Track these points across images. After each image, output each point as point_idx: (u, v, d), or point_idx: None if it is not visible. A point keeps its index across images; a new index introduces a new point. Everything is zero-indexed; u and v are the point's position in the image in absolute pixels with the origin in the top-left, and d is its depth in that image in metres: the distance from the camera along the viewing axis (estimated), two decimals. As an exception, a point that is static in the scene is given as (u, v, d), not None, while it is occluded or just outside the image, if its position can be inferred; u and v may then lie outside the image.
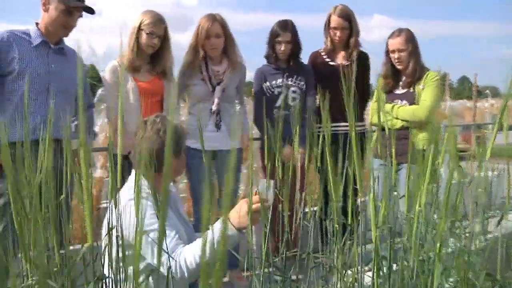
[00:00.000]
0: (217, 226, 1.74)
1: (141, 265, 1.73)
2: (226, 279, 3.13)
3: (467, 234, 1.48)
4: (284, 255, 1.42)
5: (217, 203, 3.46)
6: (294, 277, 1.52)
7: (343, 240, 1.17)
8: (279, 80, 3.29)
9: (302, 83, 3.29)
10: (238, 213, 1.66)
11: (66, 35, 2.60)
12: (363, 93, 3.22)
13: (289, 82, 3.28)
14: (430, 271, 0.98)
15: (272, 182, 1.55)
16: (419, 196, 0.97)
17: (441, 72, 3.40)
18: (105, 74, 2.90)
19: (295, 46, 3.28)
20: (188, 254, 1.67)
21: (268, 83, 3.29)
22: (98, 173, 3.97)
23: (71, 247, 1.57)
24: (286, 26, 3.25)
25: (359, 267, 1.26)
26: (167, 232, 1.71)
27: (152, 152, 1.79)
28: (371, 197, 0.97)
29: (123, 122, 2.88)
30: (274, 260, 1.42)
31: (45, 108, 2.39)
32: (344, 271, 1.02)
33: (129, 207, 1.67)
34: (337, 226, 1.13)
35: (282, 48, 3.24)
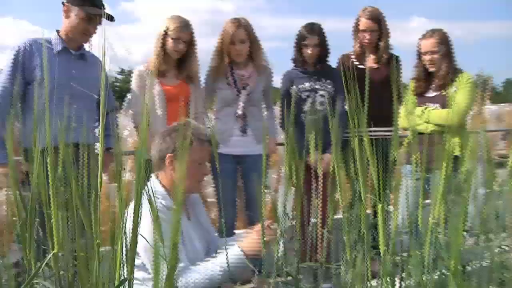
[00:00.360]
0: (230, 252, 1.72)
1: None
2: (251, 286, 3.09)
3: (505, 248, 1.39)
4: (296, 264, 1.37)
5: (244, 208, 3.47)
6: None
7: (358, 250, 1.11)
8: (307, 84, 3.23)
9: (331, 86, 3.22)
10: (252, 243, 1.65)
11: (86, 42, 2.64)
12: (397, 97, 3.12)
13: (317, 86, 3.22)
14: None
15: (292, 189, 1.51)
16: (434, 207, 0.90)
17: (483, 74, 3.26)
18: (132, 79, 2.92)
19: (323, 49, 3.22)
20: (195, 272, 1.68)
21: (295, 87, 3.23)
22: (127, 176, 4.00)
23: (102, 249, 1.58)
24: (313, 29, 3.19)
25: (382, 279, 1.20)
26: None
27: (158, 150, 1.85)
28: (380, 207, 0.92)
29: (149, 126, 2.91)
30: (288, 269, 1.38)
31: (67, 114, 2.43)
32: (356, 283, 0.97)
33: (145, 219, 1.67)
34: (350, 235, 1.08)
35: (309, 52, 3.17)
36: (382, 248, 0.89)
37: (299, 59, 3.25)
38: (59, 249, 1.06)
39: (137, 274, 1.74)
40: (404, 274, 1.06)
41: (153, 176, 1.90)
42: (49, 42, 2.57)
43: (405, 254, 1.17)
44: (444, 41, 3.02)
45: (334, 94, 3.23)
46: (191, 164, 1.84)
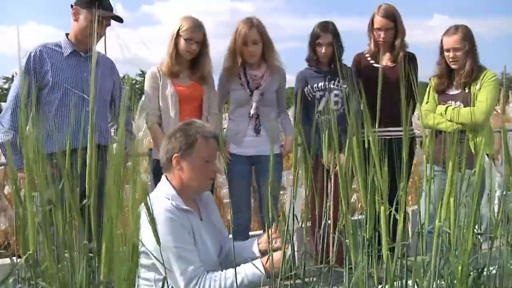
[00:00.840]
0: (249, 267, 1.70)
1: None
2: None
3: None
4: (303, 266, 1.34)
5: (258, 210, 3.44)
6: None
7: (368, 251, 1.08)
8: (321, 84, 3.18)
9: (345, 86, 3.17)
10: (275, 263, 1.62)
11: (95, 44, 2.64)
12: (411, 97, 3.06)
13: (331, 86, 3.17)
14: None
15: (301, 190, 1.48)
16: (441, 209, 0.86)
17: (507, 73, 3.17)
18: (145, 80, 2.93)
19: (337, 48, 3.17)
20: (213, 280, 1.68)
21: (309, 87, 3.20)
22: (141, 177, 4.01)
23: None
24: (327, 28, 3.14)
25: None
26: (189, 259, 1.70)
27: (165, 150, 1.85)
28: (382, 209, 0.88)
29: (162, 127, 2.90)
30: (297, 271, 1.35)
31: (80, 117, 2.45)
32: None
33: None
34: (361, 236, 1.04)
35: (323, 51, 3.13)
36: (385, 253, 0.85)
37: (312, 58, 3.21)
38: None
39: (147, 275, 1.73)
40: (410, 281, 1.03)
41: (163, 177, 1.90)
42: (59, 46, 2.59)
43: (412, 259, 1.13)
44: (467, 37, 2.92)
45: (348, 93, 3.17)
46: (198, 162, 1.83)
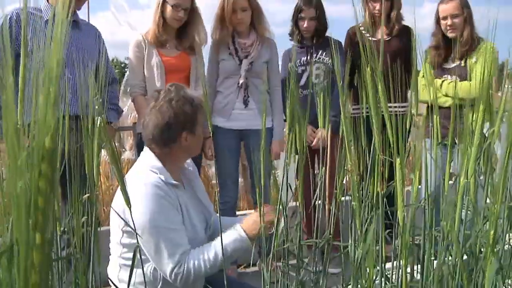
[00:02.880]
0: (232, 234, 1.59)
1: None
2: (255, 269, 2.98)
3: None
4: (298, 240, 1.24)
5: (250, 188, 3.33)
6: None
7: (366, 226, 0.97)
8: (303, 59, 3.07)
9: (328, 58, 3.05)
10: (254, 224, 1.52)
11: (78, 6, 2.49)
12: (408, 71, 2.96)
13: (313, 60, 3.06)
14: (480, 268, 0.78)
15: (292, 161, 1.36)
16: (465, 169, 0.76)
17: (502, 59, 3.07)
18: (129, 49, 2.78)
19: (320, 23, 3.05)
20: (196, 259, 1.57)
21: (292, 62, 3.07)
22: (127, 154, 3.88)
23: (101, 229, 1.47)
24: (311, 2, 3.02)
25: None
26: (178, 240, 1.58)
27: (163, 124, 1.63)
28: (398, 161, 0.77)
29: (147, 99, 2.73)
30: (289, 246, 1.25)
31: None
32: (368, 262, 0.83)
33: (139, 195, 1.53)
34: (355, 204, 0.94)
35: (305, 25, 3.01)
36: (400, 214, 0.74)
37: (295, 33, 3.10)
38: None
39: (129, 254, 1.60)
40: (427, 256, 0.92)
41: (146, 148, 1.73)
42: (39, 10, 2.43)
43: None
44: (465, 4, 2.85)
45: (332, 67, 3.04)
46: (200, 131, 1.70)
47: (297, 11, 3.06)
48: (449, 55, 2.91)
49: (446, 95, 2.80)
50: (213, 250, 1.57)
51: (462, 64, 2.84)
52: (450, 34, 2.87)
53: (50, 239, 0.33)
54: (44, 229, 0.32)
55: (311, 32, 3.06)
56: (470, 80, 2.75)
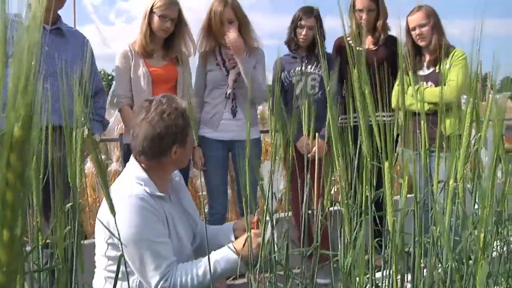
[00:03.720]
0: (221, 253, 1.57)
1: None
2: (244, 280, 2.95)
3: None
4: (286, 250, 1.21)
5: (237, 200, 3.30)
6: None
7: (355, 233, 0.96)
8: (297, 68, 3.08)
9: (322, 71, 3.07)
10: (245, 245, 1.49)
11: (60, 5, 2.42)
12: (394, 80, 2.98)
13: (308, 70, 3.06)
14: (471, 273, 0.77)
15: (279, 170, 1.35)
16: (453, 172, 0.75)
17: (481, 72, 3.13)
18: (116, 59, 2.76)
19: (319, 34, 3.06)
20: (184, 274, 1.54)
21: (286, 72, 3.08)
22: (113, 166, 3.83)
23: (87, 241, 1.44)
24: (311, 12, 3.04)
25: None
26: (164, 253, 1.55)
27: (153, 137, 1.60)
28: (386, 165, 0.76)
29: (133, 110, 2.69)
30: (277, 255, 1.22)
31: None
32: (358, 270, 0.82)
33: (123, 207, 1.50)
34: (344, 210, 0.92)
35: (303, 33, 3.02)
36: (390, 220, 0.73)
37: (292, 41, 3.10)
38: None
39: (114, 267, 1.56)
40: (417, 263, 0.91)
41: (132, 159, 1.70)
42: (20, 16, 2.38)
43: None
44: (431, 13, 2.94)
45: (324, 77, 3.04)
46: (190, 144, 1.67)
47: (297, 19, 3.06)
48: (422, 63, 2.99)
49: (422, 102, 2.83)
50: (203, 267, 1.54)
51: (437, 71, 2.90)
52: (420, 43, 2.96)
53: (19, 236, 0.31)
54: (12, 225, 0.30)
55: (309, 41, 3.06)
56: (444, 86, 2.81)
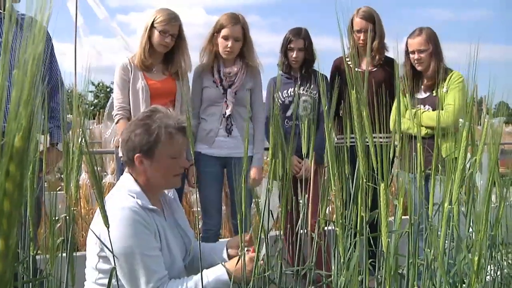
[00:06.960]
0: (212, 273, 1.56)
1: None
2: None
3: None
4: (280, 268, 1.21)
5: (230, 216, 3.29)
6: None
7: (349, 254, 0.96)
8: (290, 90, 3.11)
9: (315, 92, 3.10)
10: (238, 268, 1.47)
11: None
12: (391, 101, 3.00)
13: (301, 92, 3.09)
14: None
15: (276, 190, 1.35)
16: (448, 194, 0.75)
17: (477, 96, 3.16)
18: (115, 71, 2.77)
19: (309, 54, 3.10)
20: None
21: (279, 93, 3.10)
22: (108, 178, 3.82)
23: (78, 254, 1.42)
24: (300, 33, 3.09)
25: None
26: (155, 267, 1.54)
27: (123, 143, 1.65)
28: (382, 186, 0.77)
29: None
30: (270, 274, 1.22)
31: None
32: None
33: (115, 220, 1.49)
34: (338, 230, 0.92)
35: (294, 55, 3.06)
36: (384, 241, 0.73)
37: (284, 63, 3.13)
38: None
39: (105, 281, 1.55)
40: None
41: (125, 173, 1.70)
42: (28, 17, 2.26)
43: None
44: (431, 39, 2.96)
45: (319, 99, 3.08)
46: (163, 161, 1.64)
47: (286, 41, 3.10)
48: (421, 86, 3.00)
49: (420, 125, 2.84)
50: (194, 285, 1.54)
51: (434, 94, 2.91)
52: (418, 68, 2.98)
53: (14, 246, 0.31)
54: (8, 235, 0.30)
55: (300, 62, 3.10)
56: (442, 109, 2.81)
